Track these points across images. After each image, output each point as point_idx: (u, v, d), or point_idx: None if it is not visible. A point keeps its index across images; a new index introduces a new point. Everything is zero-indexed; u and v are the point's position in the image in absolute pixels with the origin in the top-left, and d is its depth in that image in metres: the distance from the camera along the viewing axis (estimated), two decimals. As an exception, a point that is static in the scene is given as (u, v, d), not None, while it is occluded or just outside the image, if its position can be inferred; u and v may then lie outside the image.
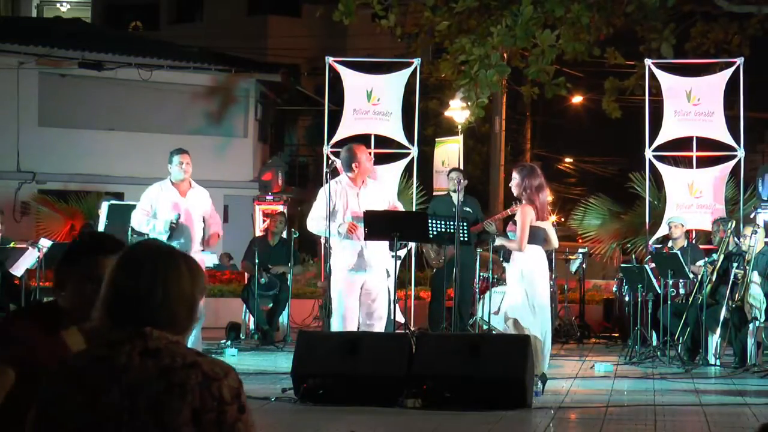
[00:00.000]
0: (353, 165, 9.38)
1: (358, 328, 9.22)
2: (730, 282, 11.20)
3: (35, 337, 3.08)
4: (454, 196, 12.65)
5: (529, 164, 10.38)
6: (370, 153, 9.70)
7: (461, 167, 14.79)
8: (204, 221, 10.12)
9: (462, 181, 11.38)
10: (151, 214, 9.91)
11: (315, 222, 9.50)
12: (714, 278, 11.34)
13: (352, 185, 9.39)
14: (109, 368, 2.49)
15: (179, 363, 2.49)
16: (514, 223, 9.33)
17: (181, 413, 2.45)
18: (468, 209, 12.36)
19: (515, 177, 9.31)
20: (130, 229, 10.41)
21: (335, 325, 9.20)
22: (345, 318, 9.22)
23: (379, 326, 9.35)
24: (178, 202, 9.91)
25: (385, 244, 9.46)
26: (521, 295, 9.16)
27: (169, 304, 2.56)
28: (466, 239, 10.41)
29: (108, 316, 2.58)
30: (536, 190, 9.23)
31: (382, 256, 9.43)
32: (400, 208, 9.71)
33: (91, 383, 2.49)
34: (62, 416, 2.49)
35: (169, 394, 2.46)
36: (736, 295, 11.13)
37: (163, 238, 9.62)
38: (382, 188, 9.81)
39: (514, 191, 9.30)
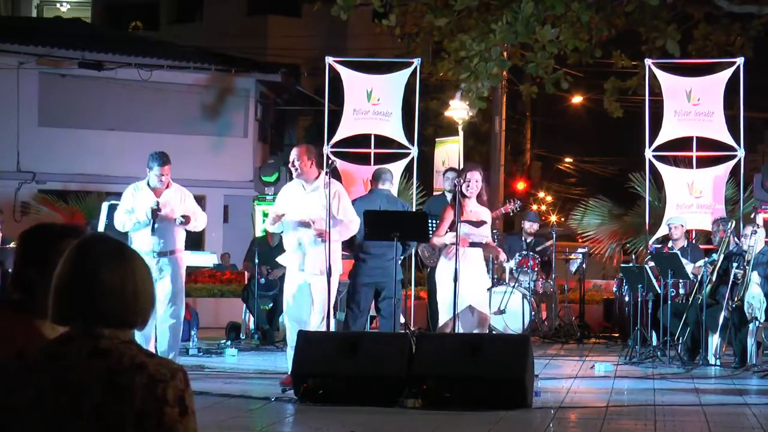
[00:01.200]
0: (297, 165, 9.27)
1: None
2: (730, 282, 11.20)
3: (13, 329, 3.07)
4: (449, 196, 12.68)
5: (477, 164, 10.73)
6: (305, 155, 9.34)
7: (461, 167, 14.77)
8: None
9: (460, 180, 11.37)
10: (130, 212, 9.88)
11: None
12: (714, 278, 11.34)
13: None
14: (57, 367, 2.46)
15: (126, 364, 2.46)
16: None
17: (124, 416, 2.42)
18: None
19: (480, 178, 9.47)
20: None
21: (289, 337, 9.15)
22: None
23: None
24: (152, 201, 9.86)
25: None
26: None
27: (124, 300, 2.52)
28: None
29: (58, 311, 2.53)
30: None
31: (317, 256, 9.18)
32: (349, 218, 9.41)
33: (37, 380, 2.46)
34: (8, 412, 2.46)
35: (112, 396, 2.43)
36: (736, 295, 11.13)
37: (147, 229, 9.66)
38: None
39: (476, 192, 9.43)
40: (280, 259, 9.73)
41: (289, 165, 9.33)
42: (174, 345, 9.71)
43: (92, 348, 2.48)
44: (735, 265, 11.23)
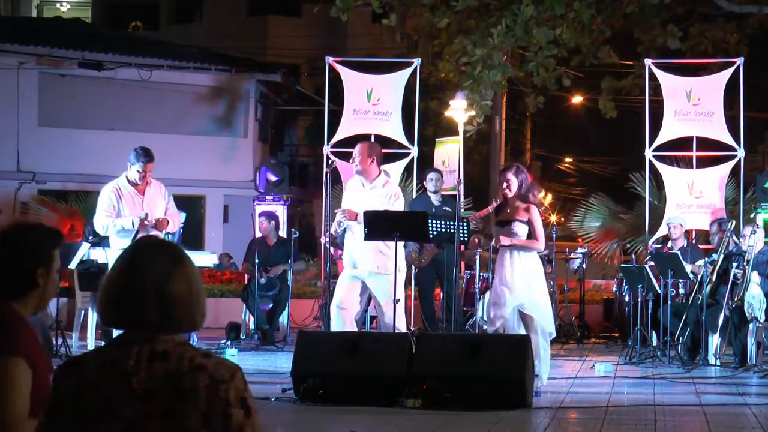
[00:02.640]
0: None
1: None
2: (730, 282, 11.20)
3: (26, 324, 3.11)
4: (433, 197, 12.72)
5: (518, 163, 10.17)
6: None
7: (461, 167, 14.77)
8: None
9: (460, 181, 11.38)
10: (115, 215, 9.75)
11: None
12: (714, 278, 11.34)
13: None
14: (119, 372, 2.47)
15: (186, 366, 2.47)
16: (504, 223, 9.15)
17: (191, 417, 2.44)
18: (447, 208, 12.43)
19: (512, 179, 9.11)
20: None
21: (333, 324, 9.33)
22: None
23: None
24: (137, 201, 9.74)
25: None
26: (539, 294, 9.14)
27: (170, 306, 2.52)
28: (466, 239, 10.45)
29: (112, 317, 2.55)
30: (533, 188, 9.21)
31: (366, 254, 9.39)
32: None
33: (101, 387, 2.47)
34: (76, 417, 2.47)
35: (179, 399, 2.44)
36: (736, 295, 11.13)
37: (127, 237, 9.52)
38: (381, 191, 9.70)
39: (513, 191, 9.09)
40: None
41: (350, 161, 9.44)
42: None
43: (150, 351, 2.49)
44: (735, 265, 11.23)
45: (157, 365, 2.47)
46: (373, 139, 14.11)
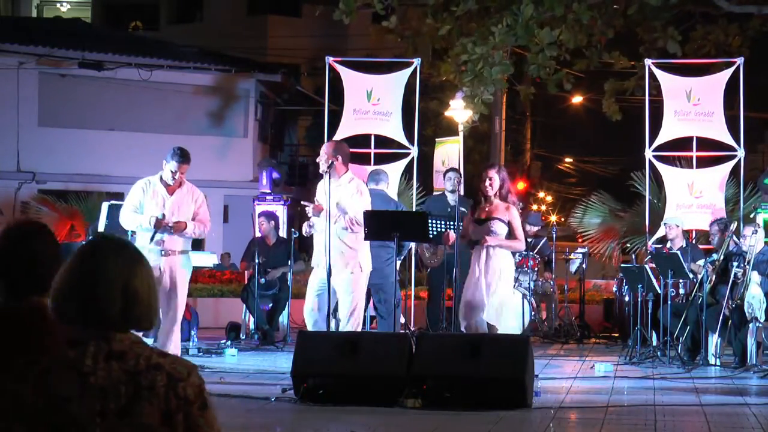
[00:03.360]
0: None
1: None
2: (730, 281, 11.20)
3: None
4: (450, 196, 12.71)
5: (500, 164, 10.51)
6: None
7: (461, 167, 14.79)
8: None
9: (460, 180, 11.39)
10: (139, 211, 9.65)
11: None
12: (713, 278, 11.34)
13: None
14: (75, 372, 2.45)
15: (144, 365, 2.47)
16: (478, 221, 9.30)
17: (150, 415, 2.44)
18: (463, 209, 12.39)
19: (495, 176, 9.29)
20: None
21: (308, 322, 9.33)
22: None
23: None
24: (164, 199, 9.62)
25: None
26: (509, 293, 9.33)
27: (132, 303, 2.52)
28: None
29: (66, 313, 2.52)
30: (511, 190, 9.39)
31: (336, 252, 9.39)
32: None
33: (57, 387, 2.45)
34: (30, 417, 2.45)
35: (137, 397, 2.44)
36: (736, 294, 11.13)
37: (148, 234, 9.47)
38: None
39: (494, 189, 9.25)
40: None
41: (316, 160, 9.50)
42: (174, 348, 9.59)
43: (108, 351, 2.48)
44: (735, 264, 11.23)
45: (115, 364, 2.46)
46: (373, 139, 14.14)
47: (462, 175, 13.35)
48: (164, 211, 9.52)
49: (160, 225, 9.46)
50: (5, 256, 3.03)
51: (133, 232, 9.95)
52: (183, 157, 9.59)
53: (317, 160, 9.61)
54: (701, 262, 11.72)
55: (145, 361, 2.48)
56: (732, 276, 11.19)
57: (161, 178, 9.67)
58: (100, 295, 2.49)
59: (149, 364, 2.47)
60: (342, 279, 9.39)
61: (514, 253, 9.97)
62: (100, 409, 2.43)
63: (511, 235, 9.22)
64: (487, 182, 9.27)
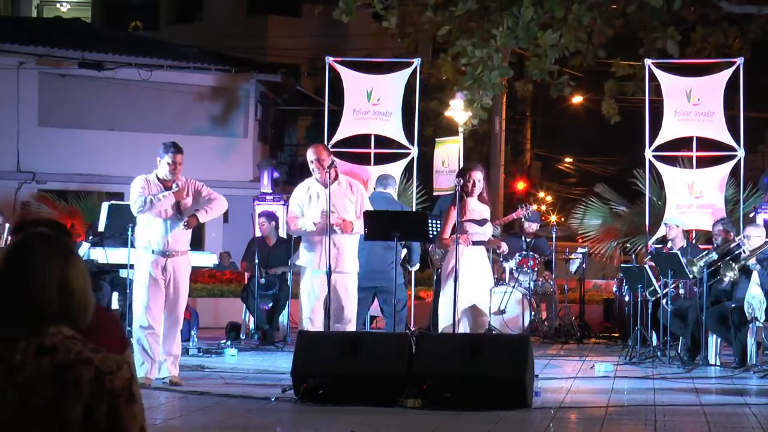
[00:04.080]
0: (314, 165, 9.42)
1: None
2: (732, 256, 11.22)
3: None
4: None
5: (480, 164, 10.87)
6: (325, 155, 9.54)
7: (461, 167, 14.78)
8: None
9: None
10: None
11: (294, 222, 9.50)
12: (714, 257, 11.34)
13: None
14: (3, 367, 2.45)
15: (73, 359, 2.46)
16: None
17: (72, 410, 2.43)
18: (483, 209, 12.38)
19: (480, 178, 9.54)
20: (130, 228, 10.26)
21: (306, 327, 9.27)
22: (312, 320, 9.28)
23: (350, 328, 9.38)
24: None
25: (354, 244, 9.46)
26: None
27: (69, 299, 2.50)
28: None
29: (2, 310, 2.50)
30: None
31: (350, 257, 9.41)
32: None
33: None
34: None
35: (62, 392, 2.44)
36: (735, 264, 11.11)
37: (149, 232, 9.26)
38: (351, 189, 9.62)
39: (479, 190, 9.54)
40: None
41: (320, 166, 9.36)
42: (176, 349, 9.53)
43: (38, 346, 2.46)
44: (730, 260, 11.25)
45: (44, 359, 2.45)
46: (373, 139, 14.14)
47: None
48: (177, 183, 9.33)
49: (179, 195, 9.22)
50: None
51: (133, 231, 9.88)
52: (176, 147, 9.33)
53: (313, 167, 9.44)
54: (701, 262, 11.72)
55: (75, 356, 2.46)
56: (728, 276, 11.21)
57: (157, 176, 9.53)
58: (35, 295, 2.48)
59: (79, 359, 2.46)
60: (350, 281, 9.38)
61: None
62: (26, 404, 2.42)
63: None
64: (472, 183, 9.51)
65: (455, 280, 9.07)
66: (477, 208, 9.54)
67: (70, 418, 2.43)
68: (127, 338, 3.18)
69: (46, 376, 2.44)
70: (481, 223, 9.46)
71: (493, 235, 10.29)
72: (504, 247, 10.85)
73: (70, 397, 2.44)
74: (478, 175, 9.51)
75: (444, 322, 9.39)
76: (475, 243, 9.45)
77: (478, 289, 9.46)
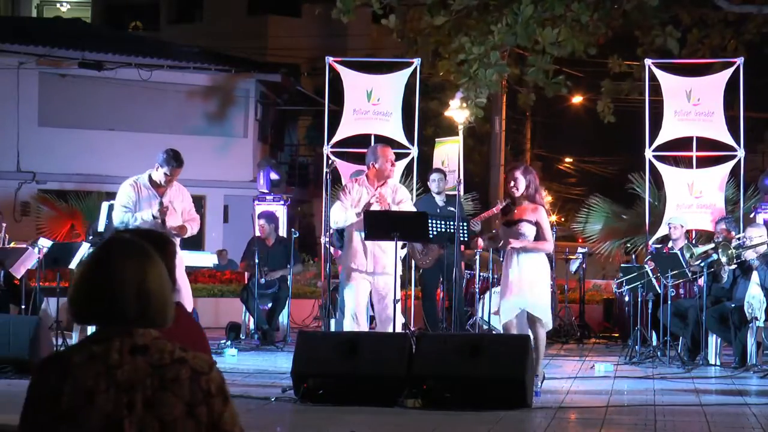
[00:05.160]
0: (371, 164, 9.57)
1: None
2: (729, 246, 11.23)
3: None
4: (437, 198, 12.76)
5: (527, 164, 10.32)
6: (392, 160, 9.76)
7: (461, 167, 14.77)
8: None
9: (459, 181, 11.37)
10: (131, 210, 9.47)
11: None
12: (715, 257, 11.33)
13: (369, 184, 9.56)
14: (103, 366, 2.51)
15: (168, 358, 2.54)
16: (510, 224, 9.14)
17: (175, 407, 2.50)
18: (452, 208, 12.42)
19: (520, 177, 9.08)
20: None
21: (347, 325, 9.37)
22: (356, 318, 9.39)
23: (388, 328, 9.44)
24: (154, 200, 9.45)
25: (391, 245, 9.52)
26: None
27: (147, 302, 2.57)
28: (466, 239, 10.47)
29: (89, 313, 2.58)
30: (540, 188, 9.22)
31: (390, 259, 9.49)
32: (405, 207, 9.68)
33: (85, 381, 2.50)
34: (57, 411, 2.50)
35: (163, 390, 2.51)
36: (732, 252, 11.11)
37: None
38: (397, 190, 9.77)
39: (520, 190, 9.02)
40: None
41: (389, 166, 9.63)
42: None
43: (132, 345, 2.55)
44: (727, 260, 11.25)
45: (140, 358, 2.53)
46: (373, 139, 14.13)
47: (461, 175, 13.35)
48: (161, 200, 9.42)
49: (164, 212, 9.35)
50: None
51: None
52: (177, 161, 9.43)
53: (389, 167, 9.62)
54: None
55: (168, 355, 2.55)
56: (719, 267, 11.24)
57: (150, 177, 9.54)
58: (116, 298, 2.56)
59: (173, 358, 2.54)
60: (390, 282, 9.43)
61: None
62: (128, 402, 2.49)
63: (539, 236, 8.98)
64: (512, 183, 9.04)
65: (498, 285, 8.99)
66: (519, 210, 9.06)
67: (172, 416, 2.50)
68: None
69: (144, 374, 2.51)
70: (510, 224, 9.01)
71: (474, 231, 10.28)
72: (549, 247, 10.24)
73: (171, 395, 2.51)
74: (515, 174, 9.04)
75: (503, 318, 9.19)
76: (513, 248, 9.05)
77: (527, 295, 8.96)
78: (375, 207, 9.35)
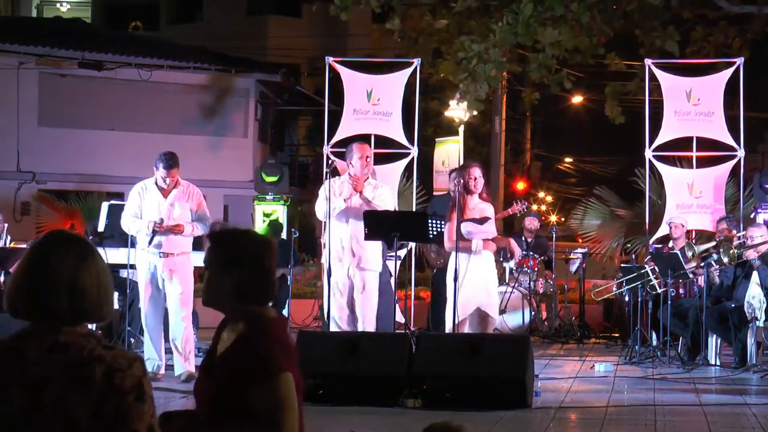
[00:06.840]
0: (349, 161, 9.70)
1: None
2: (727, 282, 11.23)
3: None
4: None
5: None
6: (367, 156, 9.78)
7: (459, 165, 14.78)
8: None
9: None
10: (139, 216, 9.58)
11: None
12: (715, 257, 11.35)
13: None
14: (16, 363, 2.50)
15: (86, 356, 2.51)
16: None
17: (84, 407, 2.47)
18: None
19: (480, 176, 9.57)
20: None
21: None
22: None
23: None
24: (159, 203, 9.56)
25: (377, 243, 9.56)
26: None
27: (79, 298, 2.56)
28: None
29: (17, 306, 2.57)
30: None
31: (372, 255, 9.52)
32: (382, 207, 9.67)
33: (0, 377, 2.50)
34: None
35: (72, 389, 2.48)
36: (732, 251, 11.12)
37: (147, 239, 9.45)
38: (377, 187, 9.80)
39: (479, 188, 9.55)
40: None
41: (365, 163, 9.70)
42: (188, 345, 9.62)
43: (52, 343, 2.52)
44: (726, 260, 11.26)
45: (56, 356, 2.50)
46: (373, 139, 14.13)
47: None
48: (161, 215, 9.49)
49: (155, 232, 9.43)
50: None
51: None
52: (168, 162, 9.49)
53: (363, 166, 9.68)
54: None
55: (87, 353, 2.51)
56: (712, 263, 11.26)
57: (156, 181, 9.64)
58: (44, 292, 2.54)
59: (91, 356, 2.51)
60: (371, 277, 9.48)
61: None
62: (36, 399, 2.47)
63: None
64: (475, 181, 9.53)
65: (455, 281, 9.14)
66: (478, 207, 9.54)
67: (79, 415, 2.47)
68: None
69: (59, 372, 2.49)
70: (481, 221, 9.45)
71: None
72: (517, 250, 10.95)
73: (79, 394, 2.47)
74: (477, 172, 9.55)
75: (447, 326, 9.43)
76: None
77: (483, 291, 9.43)
78: (351, 191, 9.49)
